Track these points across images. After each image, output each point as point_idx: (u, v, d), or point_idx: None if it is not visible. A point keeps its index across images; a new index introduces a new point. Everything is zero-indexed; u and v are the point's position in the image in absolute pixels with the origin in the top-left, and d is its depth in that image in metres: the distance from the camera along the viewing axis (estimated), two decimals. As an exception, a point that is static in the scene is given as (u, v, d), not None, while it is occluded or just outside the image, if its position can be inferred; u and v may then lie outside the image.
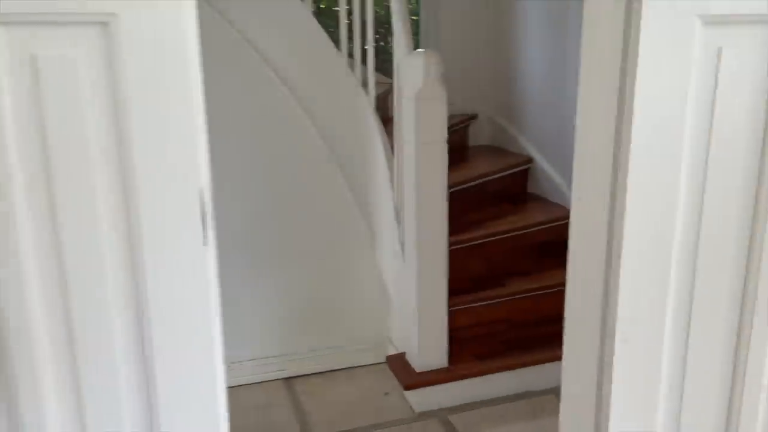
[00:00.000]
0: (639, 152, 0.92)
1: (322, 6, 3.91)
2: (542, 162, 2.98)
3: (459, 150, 3.26)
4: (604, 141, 0.97)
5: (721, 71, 0.89)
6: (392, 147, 2.30)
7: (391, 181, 2.29)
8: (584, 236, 1.03)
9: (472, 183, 2.72)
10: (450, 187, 2.58)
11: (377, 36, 4.16)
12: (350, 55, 2.39)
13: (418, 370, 2.13)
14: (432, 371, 2.13)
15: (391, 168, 2.30)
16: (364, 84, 2.33)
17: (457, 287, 2.37)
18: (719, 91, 0.90)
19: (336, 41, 2.32)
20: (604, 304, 1.03)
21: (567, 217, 2.71)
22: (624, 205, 0.95)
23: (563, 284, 2.47)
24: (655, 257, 0.97)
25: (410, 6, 3.89)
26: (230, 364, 2.35)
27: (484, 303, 2.34)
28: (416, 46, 3.63)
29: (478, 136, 3.44)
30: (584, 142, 1.04)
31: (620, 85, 0.94)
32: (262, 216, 2.29)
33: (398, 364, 2.20)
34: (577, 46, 2.72)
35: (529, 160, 3.02)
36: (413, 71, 1.96)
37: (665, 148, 0.92)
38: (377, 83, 3.21)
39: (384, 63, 3.75)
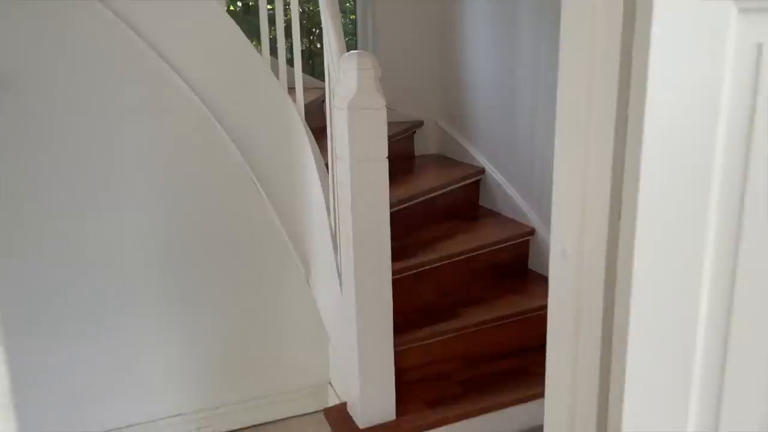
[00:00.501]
0: (650, 191, 0.65)
1: (251, 4, 3.57)
2: (494, 173, 2.74)
3: (404, 160, 2.98)
4: (599, 177, 0.69)
5: (763, 75, 0.62)
6: (327, 164, 1.99)
7: (327, 202, 1.98)
8: (571, 304, 0.74)
9: (419, 199, 2.44)
10: (394, 204, 2.30)
11: (312, 37, 3.85)
12: (275, 54, 2.06)
13: (361, 426, 1.82)
14: (377, 426, 1.82)
15: (326, 188, 1.99)
16: (293, 90, 2.02)
17: (405, 321, 2.08)
18: (760, 103, 0.63)
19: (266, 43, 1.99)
20: (602, 393, 0.75)
21: (523, 234, 2.47)
22: (630, 264, 0.67)
23: (524, 312, 2.23)
24: (675, 330, 0.69)
25: (347, 5, 3.60)
26: (139, 424, 1.98)
27: (436, 339, 2.06)
28: (354, 48, 3.34)
29: (424, 144, 3.17)
30: (566, 178, 0.76)
31: (619, 101, 0.66)
32: (173, 248, 1.95)
33: (338, 418, 1.89)
34: (528, 45, 2.47)
35: (481, 171, 2.77)
36: (345, 76, 1.65)
37: (687, 184, 0.65)
38: (312, 89, 2.90)
39: (319, 66, 3.44)
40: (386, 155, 1.73)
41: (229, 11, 3.37)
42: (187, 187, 1.93)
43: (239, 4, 3.30)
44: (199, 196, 1.95)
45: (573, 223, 0.74)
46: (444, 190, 2.58)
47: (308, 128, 2.00)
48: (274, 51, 2.07)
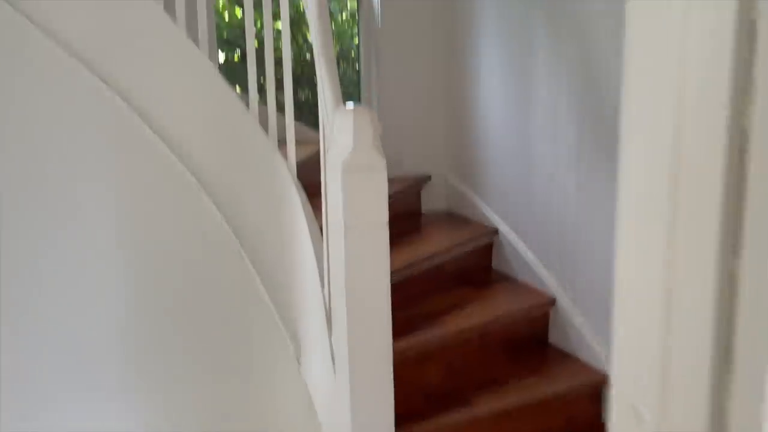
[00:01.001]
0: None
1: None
2: (508, 233, 2.50)
3: (411, 218, 2.75)
4: (696, 282, 0.45)
5: None
6: (322, 228, 1.77)
7: (321, 272, 1.75)
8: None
9: (426, 264, 2.20)
10: (399, 269, 2.06)
11: (311, 86, 3.70)
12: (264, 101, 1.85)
13: None
14: None
15: (320, 256, 1.75)
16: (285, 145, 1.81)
17: (408, 410, 1.80)
18: None
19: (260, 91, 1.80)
20: None
21: (542, 305, 2.19)
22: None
23: (546, 399, 1.94)
24: None
25: (352, 53, 3.45)
26: None
27: None
28: (357, 97, 3.17)
29: (432, 200, 2.95)
30: (636, 287, 0.52)
31: (731, 125, 0.43)
32: (144, 323, 1.71)
33: None
34: (543, 95, 2.27)
35: (493, 231, 2.53)
36: (340, 133, 1.44)
37: None
38: (313, 142, 2.70)
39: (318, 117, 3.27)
40: (386, 222, 1.50)
41: (227, 61, 3.23)
42: (161, 254, 1.71)
43: (238, 52, 3.15)
44: (175, 265, 1.72)
45: (650, 366, 0.50)
46: (453, 253, 2.34)
47: (301, 188, 1.78)
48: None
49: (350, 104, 1.47)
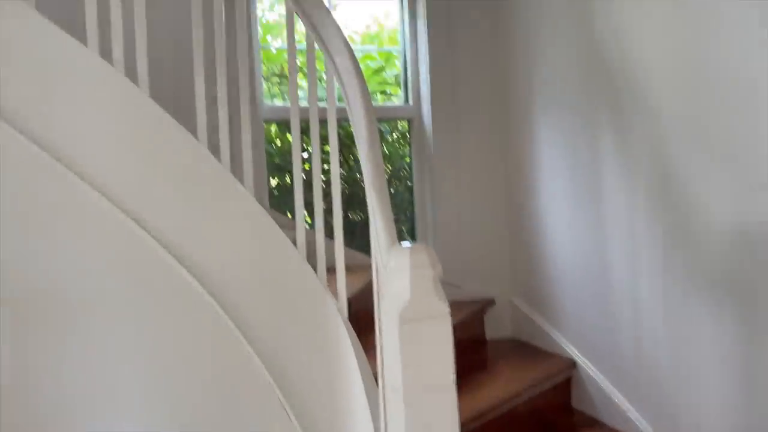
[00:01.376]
0: None
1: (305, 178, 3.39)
2: (588, 367, 2.19)
3: (474, 351, 2.49)
4: None
5: None
6: (377, 377, 1.55)
7: (376, 430, 1.51)
8: None
9: (498, 411, 1.91)
10: (466, 421, 1.79)
11: (362, 207, 3.60)
12: (311, 224, 1.72)
13: None
14: None
15: (375, 409, 1.52)
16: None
17: None
18: None
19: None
20: None
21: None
22: None
23: None
24: None
25: (403, 172, 3.37)
26: None
27: None
28: (411, 216, 3.03)
29: (497, 326, 2.70)
30: None
31: None
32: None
33: None
34: (617, 212, 2.02)
35: (570, 363, 2.24)
36: (396, 277, 1.26)
37: None
38: (360, 268, 2.54)
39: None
40: (453, 381, 1.27)
41: (279, 186, 3.19)
42: (198, 412, 1.52)
43: (288, 177, 3.11)
44: (209, 416, 1.52)
45: None
46: (528, 395, 2.05)
47: (353, 331, 1.59)
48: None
49: (406, 243, 1.30)
